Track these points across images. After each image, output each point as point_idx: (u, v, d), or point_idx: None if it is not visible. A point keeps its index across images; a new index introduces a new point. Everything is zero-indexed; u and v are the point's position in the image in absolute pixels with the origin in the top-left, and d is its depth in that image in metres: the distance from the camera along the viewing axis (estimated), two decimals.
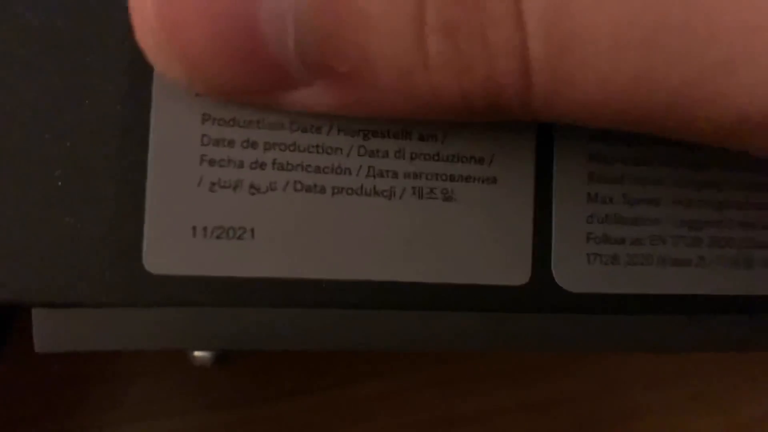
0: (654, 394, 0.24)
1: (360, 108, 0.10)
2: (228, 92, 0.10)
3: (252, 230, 0.11)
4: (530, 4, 0.09)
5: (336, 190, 0.11)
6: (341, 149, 0.11)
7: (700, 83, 0.09)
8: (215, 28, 0.09)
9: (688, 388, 0.25)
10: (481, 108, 0.10)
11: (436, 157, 0.11)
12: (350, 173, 0.11)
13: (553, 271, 0.11)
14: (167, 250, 0.10)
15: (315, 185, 0.11)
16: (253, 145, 0.11)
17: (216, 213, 0.10)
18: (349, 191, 0.11)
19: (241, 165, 0.10)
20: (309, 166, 0.11)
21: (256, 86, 0.10)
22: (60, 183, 0.10)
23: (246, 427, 0.22)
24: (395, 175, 0.11)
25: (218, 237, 0.10)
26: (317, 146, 0.11)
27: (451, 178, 0.11)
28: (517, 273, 0.11)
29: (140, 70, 0.10)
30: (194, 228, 0.10)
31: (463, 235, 0.11)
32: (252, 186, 0.11)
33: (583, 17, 0.09)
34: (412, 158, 0.11)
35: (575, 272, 0.11)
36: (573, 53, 0.09)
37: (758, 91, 0.08)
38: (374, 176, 0.11)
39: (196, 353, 0.11)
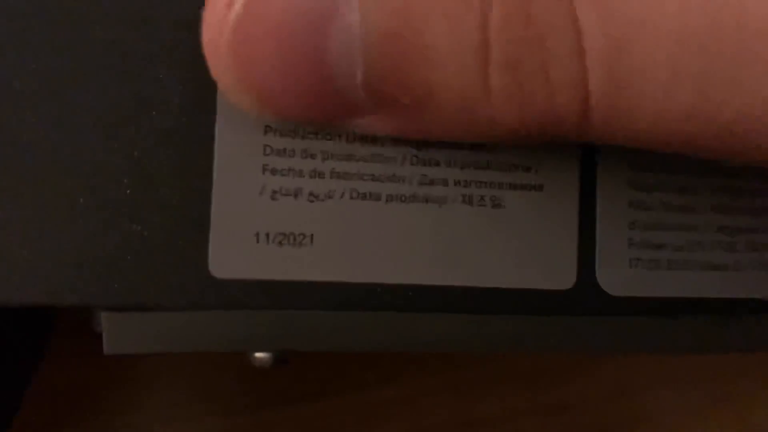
0: (668, 397, 0.25)
1: (417, 135, 0.11)
2: (295, 120, 0.10)
3: (311, 236, 0.11)
4: (592, 43, 0.09)
5: (390, 198, 0.11)
6: (395, 158, 0.11)
7: (750, 117, 0.09)
8: (287, 64, 0.10)
9: (702, 391, 0.25)
10: (537, 137, 0.10)
11: (485, 166, 0.11)
12: (403, 182, 0.11)
13: (597, 276, 0.12)
14: (231, 255, 0.11)
15: (370, 193, 0.11)
16: (312, 155, 0.11)
17: (277, 220, 0.11)
18: (403, 199, 0.11)
19: (301, 174, 0.11)
20: (365, 174, 0.11)
21: (321, 117, 0.10)
22: (128, 191, 0.10)
23: (263, 431, 0.22)
24: (446, 183, 0.11)
25: (280, 243, 0.11)
26: (372, 155, 0.11)
27: (500, 186, 0.11)
28: (562, 277, 0.12)
29: (205, 82, 0.11)
30: (257, 234, 0.11)
31: (510, 241, 0.11)
32: (311, 194, 0.11)
33: (642, 54, 0.09)
34: (462, 167, 0.11)
35: (618, 276, 0.12)
36: (631, 88, 0.09)
37: None
38: (426, 184, 0.11)
39: (257, 354, 0.11)
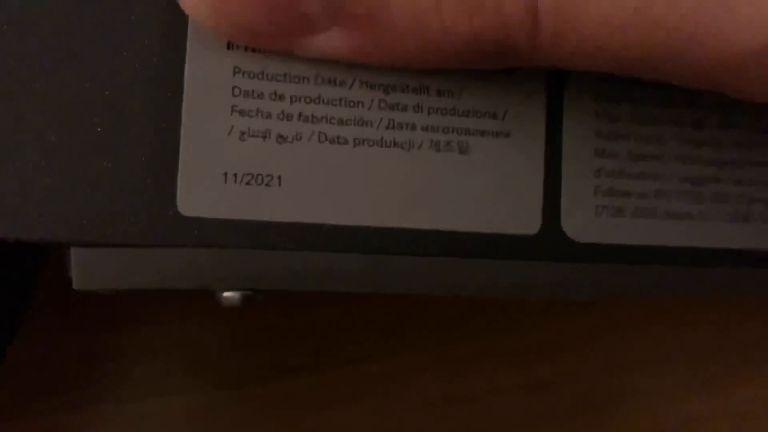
0: (654, 376, 0.25)
1: (374, 52, 0.11)
2: (251, 35, 0.11)
3: (279, 177, 0.11)
4: None
5: (357, 142, 0.11)
6: (363, 102, 0.11)
7: (699, 19, 0.09)
8: None
9: (688, 371, 0.25)
10: (490, 50, 0.10)
11: (452, 112, 0.12)
12: (371, 125, 0.11)
13: (562, 222, 0.12)
14: (200, 194, 0.11)
15: (338, 137, 0.11)
16: (281, 97, 0.11)
17: (246, 161, 0.11)
18: (370, 143, 0.11)
19: (269, 116, 0.11)
20: (333, 118, 0.11)
21: (278, 30, 0.10)
22: (99, 129, 0.11)
23: (253, 404, 0.23)
24: (413, 127, 0.11)
25: (248, 183, 0.11)
26: (340, 99, 0.11)
27: (467, 132, 0.12)
28: (527, 223, 0.12)
29: (174, 23, 0.11)
30: (225, 174, 0.11)
31: (476, 186, 0.12)
32: (279, 136, 0.11)
33: None
34: (429, 112, 0.12)
35: (583, 223, 0.12)
36: None
37: (757, 24, 0.09)
38: (394, 129, 0.11)
39: (225, 294, 0.11)
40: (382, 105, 0.11)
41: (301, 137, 0.11)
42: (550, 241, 0.12)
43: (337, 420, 0.23)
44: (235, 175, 0.11)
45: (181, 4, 0.10)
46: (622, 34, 0.09)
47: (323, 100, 0.11)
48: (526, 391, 0.24)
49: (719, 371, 0.25)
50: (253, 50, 0.11)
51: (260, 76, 0.11)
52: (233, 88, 0.11)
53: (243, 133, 0.11)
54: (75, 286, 0.11)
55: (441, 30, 0.10)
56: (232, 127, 0.11)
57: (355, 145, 0.11)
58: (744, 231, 0.12)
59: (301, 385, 0.23)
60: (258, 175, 0.11)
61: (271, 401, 0.23)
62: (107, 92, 0.11)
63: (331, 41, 0.10)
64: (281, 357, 0.23)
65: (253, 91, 0.11)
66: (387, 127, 0.11)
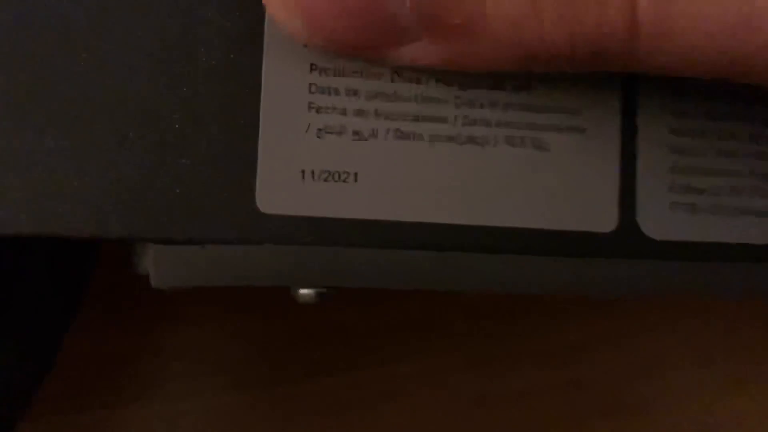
0: (687, 377, 0.25)
1: (466, 62, 0.11)
2: (343, 46, 0.11)
3: (355, 174, 0.11)
4: None
5: (433, 138, 0.11)
6: (438, 99, 0.11)
7: None
8: None
9: (721, 372, 0.25)
10: (585, 57, 0.10)
11: (528, 108, 0.11)
12: (447, 122, 0.11)
13: (638, 219, 0.12)
14: (278, 191, 0.11)
15: (414, 133, 0.11)
16: (356, 93, 0.11)
17: (322, 157, 0.11)
18: (446, 139, 0.11)
19: (344, 113, 0.11)
20: (408, 114, 0.11)
21: (370, 41, 0.10)
22: (177, 126, 0.11)
23: (286, 404, 0.23)
24: (489, 124, 0.11)
25: (325, 180, 0.11)
26: (416, 96, 0.11)
27: (542, 128, 0.12)
28: (603, 220, 0.12)
29: (253, 20, 0.11)
30: (303, 171, 0.11)
31: (553, 183, 0.12)
32: (355, 132, 0.11)
33: None
34: (505, 109, 0.11)
35: (659, 220, 0.12)
36: (679, 2, 0.09)
37: None
38: (469, 125, 0.11)
39: (301, 291, 0.11)
40: (458, 101, 0.11)
41: (377, 134, 0.11)
42: (626, 238, 0.12)
43: (370, 420, 0.23)
44: (313, 171, 0.11)
45: (274, 17, 0.10)
46: (721, 44, 0.09)
47: (399, 97, 0.11)
48: (559, 392, 0.24)
49: (753, 374, 0.25)
50: None
51: (336, 73, 0.11)
52: (310, 85, 0.11)
53: (320, 129, 0.11)
54: (154, 284, 0.11)
55: (539, 39, 0.10)
56: (309, 124, 0.11)
57: (430, 142, 0.11)
58: None
59: (334, 385, 0.23)
60: (335, 171, 0.11)
61: (304, 402, 0.23)
62: (184, 89, 0.11)
63: (423, 51, 0.10)
64: (314, 358, 0.23)
65: (329, 87, 0.11)
66: (463, 124, 0.11)
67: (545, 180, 0.11)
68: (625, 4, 0.09)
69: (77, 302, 0.19)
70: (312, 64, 0.11)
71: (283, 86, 0.11)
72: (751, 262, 0.12)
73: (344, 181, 0.11)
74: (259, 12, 0.11)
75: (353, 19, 0.10)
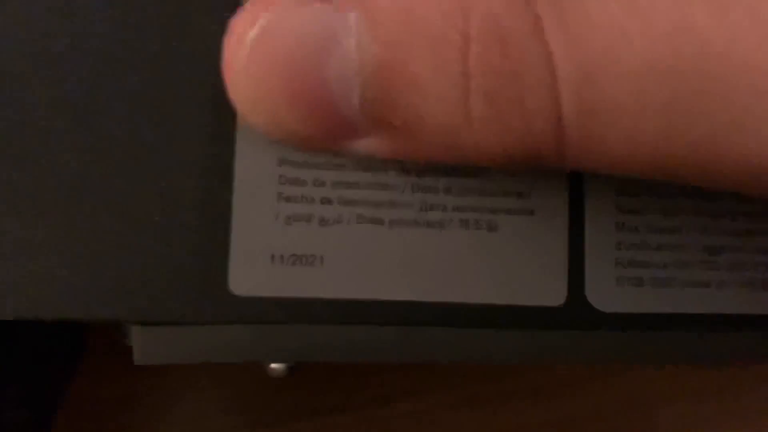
0: (679, 411, 0.25)
1: (410, 156, 0.12)
2: (300, 140, 0.12)
3: (321, 257, 0.12)
4: (563, 74, 0.10)
5: (393, 223, 0.12)
6: (397, 186, 0.12)
7: (715, 140, 0.10)
8: (293, 85, 0.11)
9: (712, 406, 0.25)
10: (519, 161, 0.11)
11: (481, 192, 0.12)
12: (405, 207, 0.12)
13: (587, 293, 0.13)
14: (250, 274, 0.12)
15: (375, 218, 0.12)
16: (322, 184, 0.12)
17: (291, 243, 0.12)
18: (405, 223, 0.12)
19: (312, 201, 0.12)
20: (369, 201, 0.12)
21: (324, 135, 0.11)
22: (156, 217, 0.12)
23: None
24: (445, 208, 0.12)
25: (293, 264, 0.12)
26: (376, 184, 0.12)
27: (494, 211, 0.12)
28: (553, 294, 0.13)
29: (224, 119, 0.12)
30: (272, 256, 0.12)
31: (505, 262, 0.12)
32: (321, 219, 0.12)
33: (610, 85, 0.10)
34: (459, 194, 0.12)
35: (606, 294, 0.13)
36: (601, 116, 0.10)
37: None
38: (426, 210, 0.12)
39: (272, 365, 0.12)
40: (415, 188, 0.12)
41: (341, 220, 0.12)
42: (576, 311, 0.13)
43: None
44: (282, 256, 0.12)
45: (239, 112, 0.11)
46: (643, 154, 0.10)
47: (360, 185, 0.12)
48: (553, 428, 0.25)
49: (744, 405, 0.25)
50: None
51: (303, 165, 0.12)
52: (280, 176, 0.12)
53: (288, 217, 0.12)
54: (136, 361, 0.12)
55: (472, 145, 0.11)
56: (279, 212, 0.12)
57: (390, 226, 0.12)
58: (761, 297, 0.13)
59: (333, 424, 0.24)
60: (303, 255, 0.12)
61: None
62: (163, 183, 0.12)
63: (371, 145, 0.11)
64: (313, 396, 0.24)
65: (297, 179, 0.12)
66: (420, 209, 0.12)
67: (498, 258, 0.12)
68: (551, 118, 0.10)
69: (82, 343, 0.20)
70: (280, 158, 0.12)
71: (254, 178, 0.12)
72: (696, 331, 0.13)
73: (311, 264, 0.12)
74: (232, 108, 0.12)
75: (309, 119, 0.11)
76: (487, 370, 0.25)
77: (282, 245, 0.12)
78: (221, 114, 0.12)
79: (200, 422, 0.23)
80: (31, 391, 0.18)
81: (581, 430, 0.25)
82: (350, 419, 0.23)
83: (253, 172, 0.12)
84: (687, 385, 0.25)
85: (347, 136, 0.11)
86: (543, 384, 0.25)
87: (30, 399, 0.18)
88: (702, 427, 0.25)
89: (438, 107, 0.10)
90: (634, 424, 0.25)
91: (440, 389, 0.24)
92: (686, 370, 0.25)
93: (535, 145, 0.10)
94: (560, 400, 0.25)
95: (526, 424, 0.25)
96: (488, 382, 0.25)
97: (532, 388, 0.25)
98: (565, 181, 0.13)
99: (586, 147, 0.10)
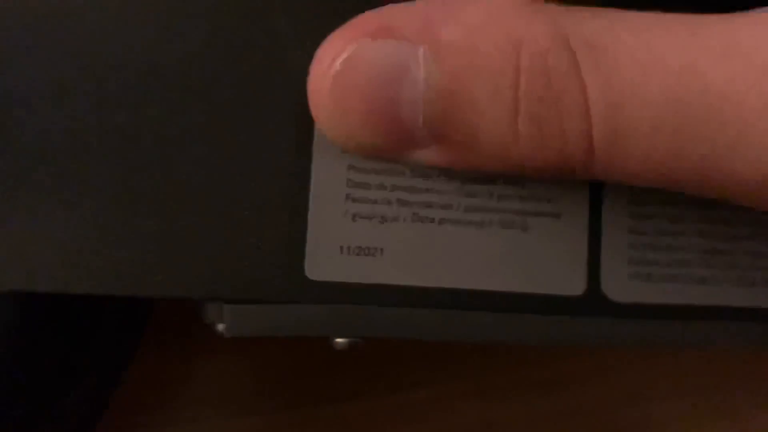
0: (676, 405, 0.26)
1: (463, 166, 0.14)
2: (371, 150, 0.14)
3: (382, 249, 0.14)
4: (595, 105, 0.12)
5: (442, 221, 0.14)
6: (446, 191, 0.14)
7: (714, 159, 0.12)
8: (370, 107, 0.13)
9: (709, 401, 0.26)
10: (555, 172, 0.13)
11: (516, 198, 0.15)
12: (452, 209, 0.14)
13: (602, 286, 0.15)
14: (322, 262, 0.14)
15: (427, 217, 0.14)
16: (384, 187, 0.14)
17: (356, 236, 0.14)
18: (452, 222, 0.14)
19: (375, 201, 0.14)
20: (423, 203, 0.14)
21: (392, 148, 0.13)
22: (246, 213, 0.14)
23: (299, 430, 0.24)
24: (486, 210, 0.14)
25: (358, 254, 0.14)
26: (429, 189, 0.14)
27: (526, 213, 0.15)
28: (574, 286, 0.15)
29: (304, 131, 0.14)
30: (341, 247, 0.14)
31: (534, 257, 0.15)
32: (382, 217, 0.14)
33: (632, 114, 0.12)
34: (498, 199, 0.15)
35: (619, 287, 0.15)
36: (624, 138, 0.12)
37: (761, 163, 0.12)
38: (470, 211, 0.14)
39: (338, 339, 0.15)
40: (461, 193, 0.14)
41: (398, 218, 0.14)
42: (592, 300, 0.15)
43: None
44: (349, 247, 0.14)
45: (320, 127, 0.13)
46: (658, 169, 0.12)
47: (416, 189, 0.14)
48: (562, 417, 0.26)
49: (741, 400, 0.26)
50: None
51: (368, 171, 0.14)
52: (348, 180, 0.14)
53: (355, 215, 0.14)
54: (226, 335, 0.14)
55: (518, 158, 0.13)
56: (347, 210, 0.14)
57: (439, 224, 0.14)
58: (751, 292, 0.15)
59: (344, 412, 0.24)
60: (366, 247, 0.14)
61: (315, 428, 0.24)
62: (252, 184, 0.14)
63: (430, 155, 0.13)
64: (323, 385, 0.24)
65: (363, 182, 0.14)
66: (464, 210, 0.14)
67: (528, 254, 0.15)
68: (583, 139, 0.12)
69: (146, 322, 0.21)
70: (349, 165, 0.14)
71: (328, 181, 0.14)
72: (697, 320, 0.15)
73: (373, 255, 0.14)
74: (311, 123, 0.14)
75: (380, 132, 0.13)
76: (497, 360, 0.26)
77: (349, 238, 0.14)
78: (301, 127, 0.14)
79: (199, 410, 0.23)
80: (99, 368, 0.20)
81: (582, 421, 0.26)
82: (364, 407, 0.24)
83: (326, 176, 0.14)
84: (678, 381, 0.26)
85: (410, 147, 0.13)
86: (549, 377, 0.26)
87: (97, 375, 0.20)
88: (692, 420, 0.26)
89: (492, 126, 0.13)
90: (631, 417, 0.26)
91: (451, 379, 0.25)
92: (686, 364, 0.26)
93: (569, 159, 0.13)
94: (563, 393, 0.26)
95: (535, 414, 0.26)
96: (498, 374, 0.26)
97: (539, 381, 0.26)
98: (587, 190, 0.15)
99: (611, 162, 0.13)
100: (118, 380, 0.21)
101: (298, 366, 0.24)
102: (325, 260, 0.14)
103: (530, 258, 0.15)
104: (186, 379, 0.24)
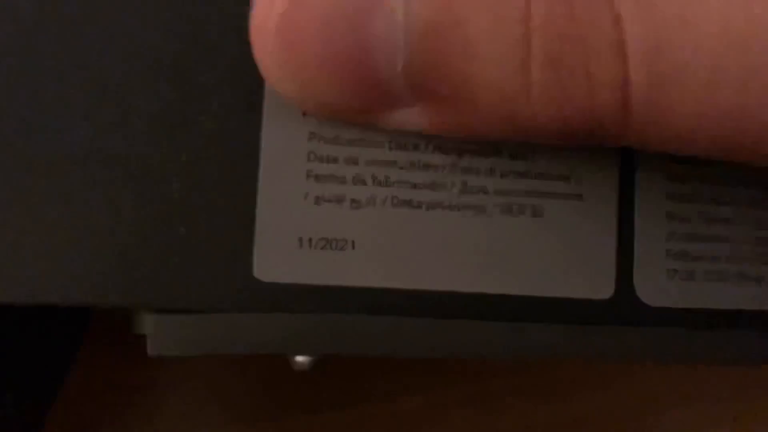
0: (683, 413, 0.25)
1: (455, 130, 0.11)
2: (335, 111, 0.11)
3: (352, 242, 0.11)
4: (633, 41, 0.09)
5: (430, 206, 0.11)
6: (436, 166, 0.11)
7: None
8: (330, 49, 0.10)
9: (718, 408, 0.25)
10: (578, 135, 0.10)
11: (525, 175, 0.12)
12: (444, 189, 0.11)
13: (635, 286, 0.12)
14: (275, 259, 0.11)
15: (411, 200, 0.11)
16: (355, 161, 0.11)
17: (320, 225, 0.11)
18: (443, 207, 0.11)
19: (343, 181, 0.11)
20: (406, 182, 0.11)
21: (361, 105, 0.11)
22: (176, 195, 0.11)
23: None
24: (486, 191, 0.12)
25: (322, 248, 0.11)
26: (413, 163, 0.11)
27: (539, 195, 0.12)
28: (601, 287, 0.12)
29: (251, 89, 0.11)
30: (300, 239, 0.11)
31: (550, 250, 0.12)
32: (353, 200, 0.11)
33: (684, 53, 0.09)
34: (502, 176, 0.12)
35: (656, 287, 0.12)
36: (672, 87, 0.09)
37: None
38: (467, 193, 0.11)
39: (297, 358, 0.12)
40: (455, 169, 0.11)
41: (374, 202, 0.11)
42: (623, 305, 0.12)
43: None
44: (310, 239, 0.11)
45: (267, 80, 0.11)
46: (713, 130, 0.10)
47: (397, 164, 0.11)
48: (562, 428, 0.25)
49: (748, 407, 0.25)
50: None
51: (335, 141, 0.11)
52: (309, 153, 0.11)
53: (318, 197, 0.11)
54: (150, 353, 0.11)
55: (529, 116, 0.10)
56: (307, 192, 0.11)
57: (427, 209, 0.11)
58: None
59: (337, 420, 0.23)
60: (332, 239, 0.11)
61: None
62: (183, 156, 0.11)
63: (412, 117, 0.11)
64: (315, 392, 0.23)
65: (328, 156, 0.11)
66: (460, 192, 0.11)
67: (542, 247, 0.12)
68: (617, 88, 0.09)
69: (81, 334, 0.19)
70: (311, 132, 0.11)
71: (282, 154, 0.11)
72: (750, 330, 0.12)
73: (341, 248, 0.11)
74: (259, 79, 0.11)
75: (344, 83, 0.10)
76: (492, 367, 0.25)
77: (310, 228, 0.11)
78: (246, 83, 0.11)
79: (194, 416, 0.23)
80: (28, 383, 0.17)
81: (590, 430, 0.25)
82: (355, 415, 0.23)
83: (280, 147, 0.11)
84: (686, 389, 0.25)
85: (387, 106, 0.10)
86: (547, 384, 0.25)
87: (27, 390, 0.17)
88: (700, 428, 0.25)
89: (493, 74, 0.10)
90: (635, 426, 0.25)
91: (446, 387, 0.24)
92: (692, 372, 0.25)
93: (598, 116, 0.10)
94: (564, 401, 0.25)
95: (530, 424, 0.24)
96: (494, 381, 0.24)
97: (537, 389, 0.25)
98: (616, 164, 0.12)
99: (653, 120, 0.10)
100: (53, 396, 0.18)
101: (279, 372, 0.23)
102: (280, 256, 0.11)
103: (544, 252, 0.12)
104: (148, 387, 0.22)
